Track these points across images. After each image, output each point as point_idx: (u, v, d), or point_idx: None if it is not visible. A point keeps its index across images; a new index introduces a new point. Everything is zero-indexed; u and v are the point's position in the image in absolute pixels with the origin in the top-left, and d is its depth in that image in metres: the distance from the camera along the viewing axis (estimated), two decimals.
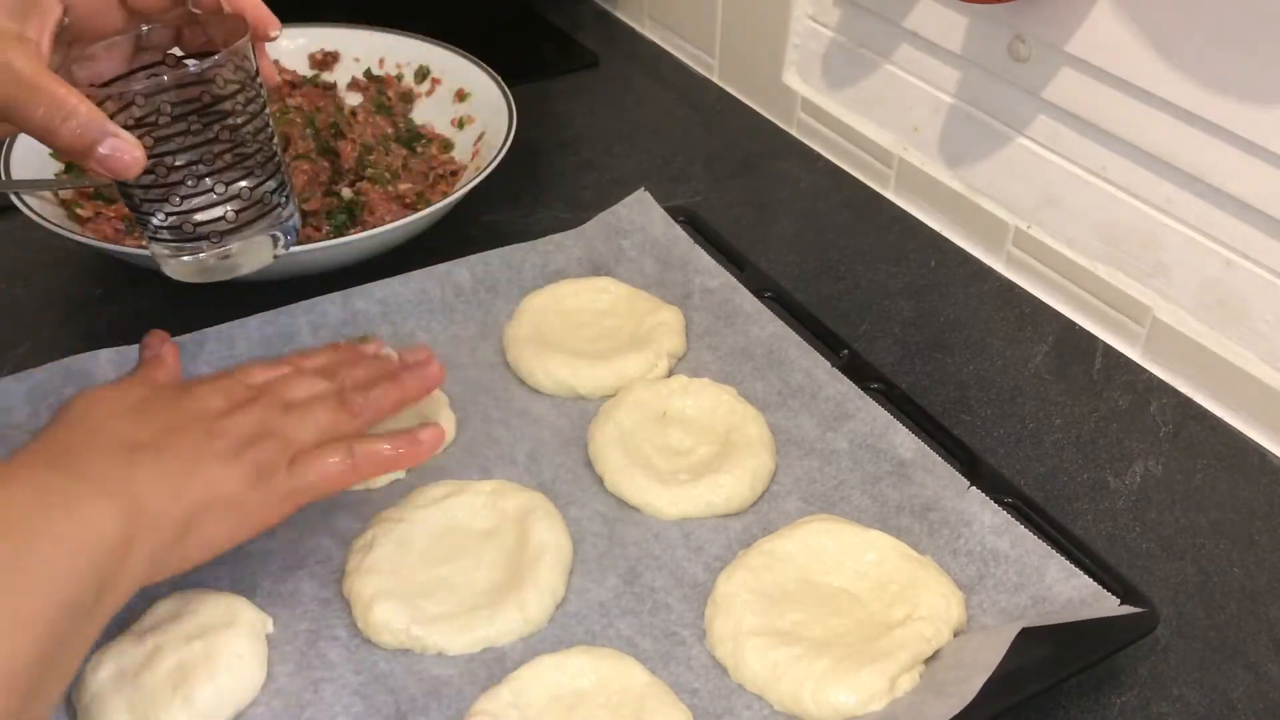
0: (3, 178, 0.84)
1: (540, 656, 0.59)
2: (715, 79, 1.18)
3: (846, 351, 0.77)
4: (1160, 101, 0.75)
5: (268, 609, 0.62)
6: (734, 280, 0.83)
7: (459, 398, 0.76)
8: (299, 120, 0.93)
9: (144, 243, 0.67)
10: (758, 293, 0.81)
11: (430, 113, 1.01)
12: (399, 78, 1.03)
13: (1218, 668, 0.62)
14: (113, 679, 0.57)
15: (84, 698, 0.57)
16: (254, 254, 0.67)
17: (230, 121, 0.62)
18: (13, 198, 0.80)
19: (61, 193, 0.86)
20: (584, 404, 0.76)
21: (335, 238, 0.82)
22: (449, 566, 0.64)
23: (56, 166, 0.90)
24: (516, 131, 0.91)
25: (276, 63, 1.03)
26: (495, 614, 0.61)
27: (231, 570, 0.64)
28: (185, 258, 0.65)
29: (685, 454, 0.72)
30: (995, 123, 0.89)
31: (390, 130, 0.97)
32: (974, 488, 0.66)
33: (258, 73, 0.64)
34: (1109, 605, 0.59)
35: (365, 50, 1.04)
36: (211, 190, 0.63)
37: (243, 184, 0.64)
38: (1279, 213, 0.71)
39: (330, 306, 0.79)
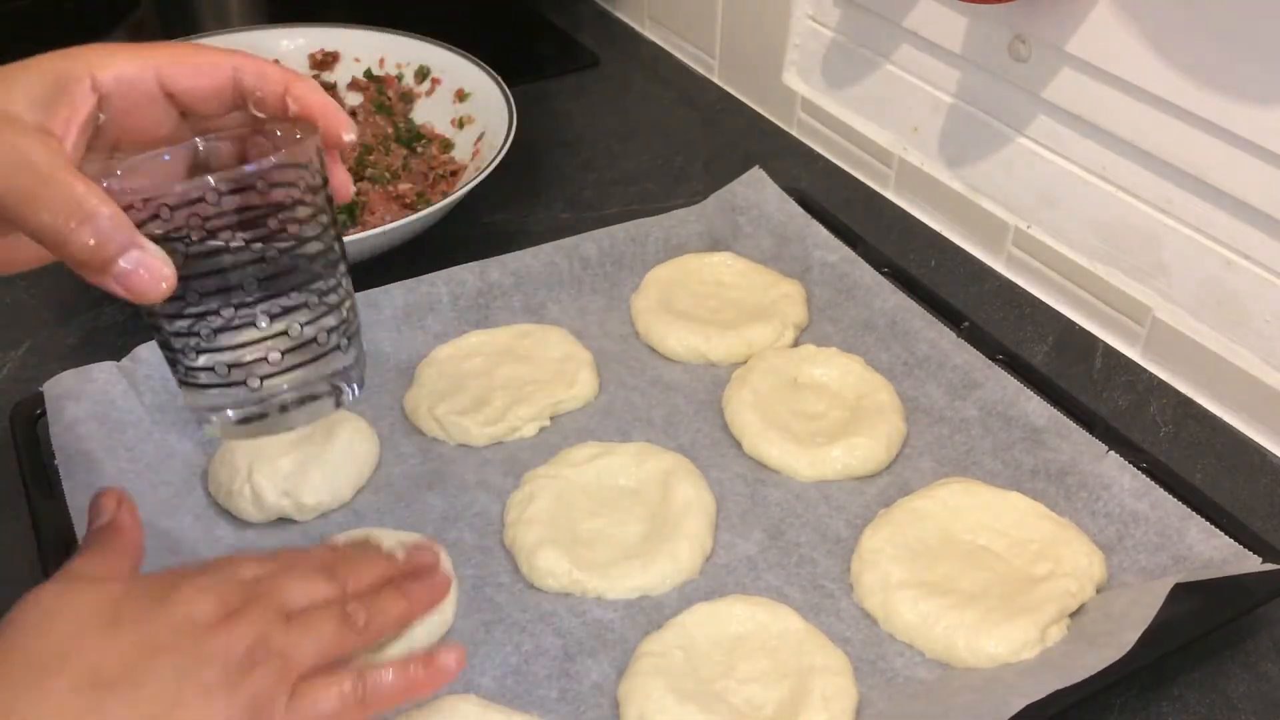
0: None
1: (698, 604, 0.62)
2: (715, 79, 1.18)
3: (967, 324, 0.78)
4: (1160, 101, 0.75)
5: None
6: (852, 254, 0.84)
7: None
8: None
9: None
10: (875, 268, 0.83)
11: (430, 113, 1.01)
12: (399, 78, 1.03)
13: (1217, 668, 0.62)
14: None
15: None
16: (307, 406, 0.53)
17: (283, 241, 0.50)
18: None
19: None
20: (714, 371, 0.79)
21: None
22: (602, 520, 0.68)
23: None
24: (516, 131, 0.91)
25: (276, 62, 1.04)
26: (649, 563, 0.64)
27: (397, 518, 0.68)
28: (221, 406, 0.52)
29: (819, 418, 0.74)
30: (995, 123, 0.89)
31: (390, 130, 0.97)
32: (1113, 452, 0.67)
33: (325, 183, 0.52)
34: (1251, 564, 0.61)
35: (365, 50, 1.04)
36: (252, 323, 0.50)
37: (294, 319, 0.51)
38: (1279, 213, 0.71)
39: (468, 276, 0.81)
